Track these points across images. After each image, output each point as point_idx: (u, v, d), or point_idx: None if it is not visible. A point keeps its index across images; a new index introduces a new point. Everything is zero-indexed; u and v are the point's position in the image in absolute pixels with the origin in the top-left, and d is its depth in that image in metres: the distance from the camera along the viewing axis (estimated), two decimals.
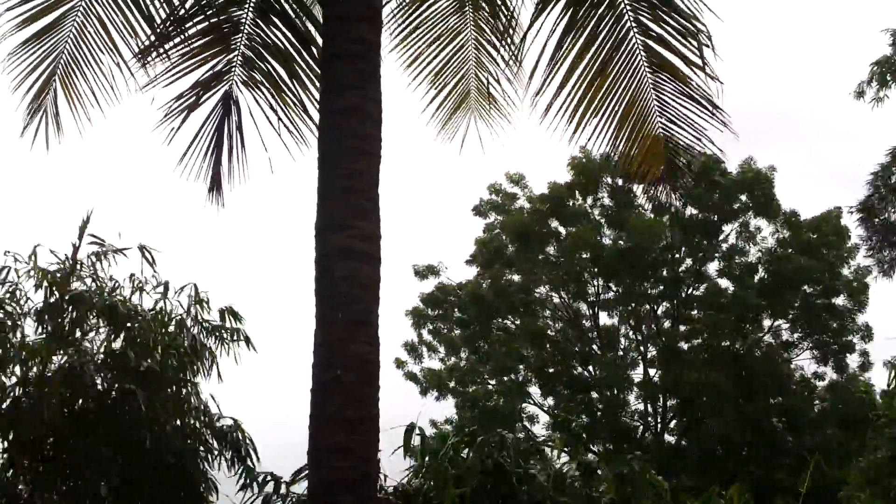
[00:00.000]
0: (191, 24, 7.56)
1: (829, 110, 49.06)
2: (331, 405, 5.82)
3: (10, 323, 8.56)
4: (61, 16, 7.53)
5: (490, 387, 25.40)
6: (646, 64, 7.26)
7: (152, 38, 7.45)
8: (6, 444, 8.38)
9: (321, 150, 6.27)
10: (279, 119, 7.81)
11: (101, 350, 8.86)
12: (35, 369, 8.49)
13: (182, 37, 7.56)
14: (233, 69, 7.75)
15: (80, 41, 7.65)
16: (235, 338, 9.47)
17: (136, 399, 8.32)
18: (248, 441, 9.16)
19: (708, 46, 6.79)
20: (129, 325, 8.83)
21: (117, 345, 8.87)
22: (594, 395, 24.90)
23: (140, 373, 8.58)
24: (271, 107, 7.79)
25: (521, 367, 25.47)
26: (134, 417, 8.47)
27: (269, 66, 7.74)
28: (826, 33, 47.29)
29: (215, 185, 8.12)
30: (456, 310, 26.52)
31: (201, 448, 9.02)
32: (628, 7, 7.14)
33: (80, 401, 8.59)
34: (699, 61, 6.89)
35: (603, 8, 7.13)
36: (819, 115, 47.30)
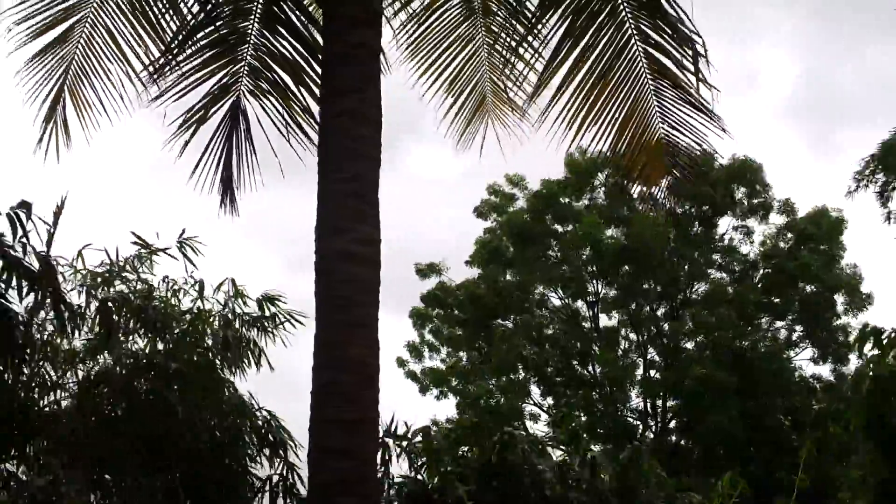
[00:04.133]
0: (200, 35, 7.65)
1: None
2: (330, 407, 5.83)
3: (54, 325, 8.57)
4: (70, 28, 7.65)
5: (491, 386, 25.36)
6: (647, 71, 7.28)
7: (162, 51, 7.56)
8: (45, 443, 8.40)
9: (321, 153, 6.32)
10: (287, 126, 7.86)
11: (137, 352, 8.88)
12: (77, 372, 8.58)
13: (191, 49, 7.65)
14: (240, 79, 7.82)
15: (88, 53, 7.76)
16: (277, 323, 9.40)
17: (167, 400, 8.35)
18: (283, 433, 9.01)
19: (703, 56, 6.79)
20: (163, 326, 8.83)
21: (159, 346, 8.91)
22: (594, 395, 24.84)
23: (170, 374, 8.59)
24: (279, 114, 7.84)
25: (520, 366, 25.43)
26: (164, 418, 8.43)
27: (275, 76, 7.80)
28: None
29: (228, 195, 8.17)
30: (456, 309, 26.49)
31: (240, 443, 8.91)
32: (629, 15, 7.15)
33: (115, 402, 8.64)
34: (696, 69, 6.88)
35: (603, 16, 7.15)
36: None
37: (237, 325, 9.25)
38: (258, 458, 8.97)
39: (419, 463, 7.20)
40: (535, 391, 25.73)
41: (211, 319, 9.22)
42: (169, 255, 9.18)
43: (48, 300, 8.28)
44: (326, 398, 5.87)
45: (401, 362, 26.56)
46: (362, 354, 5.93)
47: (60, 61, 7.76)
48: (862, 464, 8.50)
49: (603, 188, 26.25)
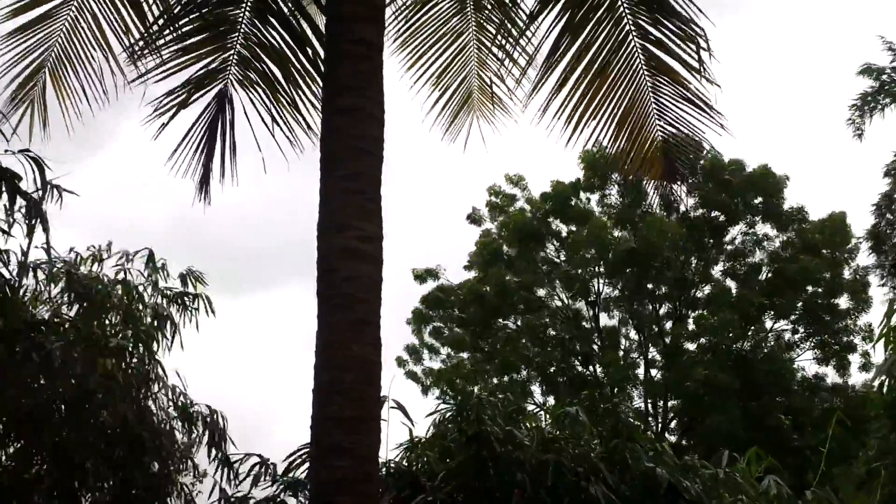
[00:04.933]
0: (185, 20, 7.51)
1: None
2: (332, 405, 5.80)
3: None
4: (53, 8, 7.45)
5: (494, 385, 25.35)
6: (644, 67, 7.34)
7: (145, 35, 7.40)
8: None
9: (324, 150, 6.25)
10: (273, 119, 7.78)
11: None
12: None
13: (176, 34, 7.51)
14: (228, 68, 7.71)
15: (71, 35, 7.58)
16: (196, 304, 9.21)
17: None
18: (221, 424, 8.89)
19: (706, 50, 6.88)
20: (85, 293, 8.51)
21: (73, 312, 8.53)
22: (596, 395, 24.90)
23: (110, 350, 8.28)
24: (266, 107, 7.75)
25: (522, 366, 25.55)
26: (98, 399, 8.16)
27: (264, 66, 7.71)
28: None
29: (205, 183, 8.08)
30: (456, 310, 26.51)
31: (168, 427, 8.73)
32: (627, 10, 7.22)
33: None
34: (697, 65, 6.97)
35: (601, 11, 7.20)
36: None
37: (158, 300, 9.05)
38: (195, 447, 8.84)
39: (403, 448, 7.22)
40: (535, 391, 26.01)
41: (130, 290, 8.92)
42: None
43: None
44: (328, 396, 5.83)
45: (401, 362, 26.60)
46: (365, 352, 5.89)
47: (42, 41, 7.56)
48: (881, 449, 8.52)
49: (616, 185, 26.24)
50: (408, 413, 7.39)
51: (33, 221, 7.43)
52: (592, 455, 6.87)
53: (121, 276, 8.99)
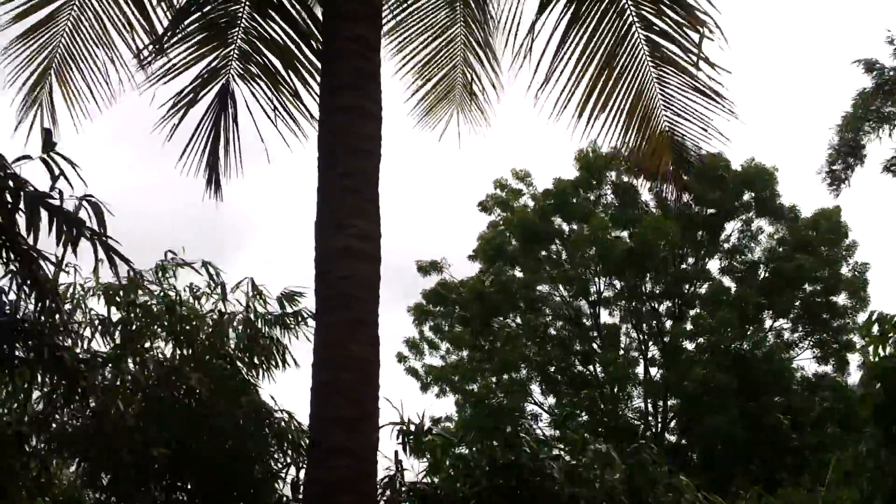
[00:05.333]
0: (189, 19, 7.52)
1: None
2: (330, 405, 5.79)
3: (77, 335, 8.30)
4: (57, 9, 7.48)
5: (493, 384, 25.30)
6: (649, 58, 7.25)
7: (150, 34, 7.42)
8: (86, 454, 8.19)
9: (321, 148, 6.22)
10: (276, 111, 7.78)
11: (160, 359, 8.65)
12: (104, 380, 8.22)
13: (180, 33, 7.52)
14: (230, 63, 7.70)
15: (75, 36, 7.60)
16: (300, 319, 9.18)
17: (190, 408, 8.21)
18: (304, 432, 8.63)
19: (711, 39, 6.77)
20: (185, 331, 8.67)
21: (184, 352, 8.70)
22: (596, 394, 24.88)
23: (193, 382, 8.34)
24: (268, 99, 7.75)
25: (522, 365, 25.47)
26: (187, 427, 8.27)
27: (265, 60, 7.69)
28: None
29: (213, 180, 8.11)
30: (458, 307, 26.46)
31: (262, 449, 8.68)
32: (630, 2, 7.12)
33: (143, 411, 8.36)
34: (702, 53, 6.86)
35: (605, 3, 7.11)
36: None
37: (259, 325, 9.04)
38: (281, 461, 8.72)
39: (424, 462, 7.23)
40: (535, 391, 25.70)
41: (234, 322, 8.97)
42: (194, 268, 8.91)
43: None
44: (327, 396, 5.83)
45: (401, 357, 26.40)
46: (363, 352, 5.86)
47: (46, 43, 7.59)
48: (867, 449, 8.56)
49: (610, 185, 26.08)
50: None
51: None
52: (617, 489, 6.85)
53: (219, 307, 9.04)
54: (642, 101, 7.40)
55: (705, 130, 7.37)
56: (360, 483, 5.74)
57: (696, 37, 6.95)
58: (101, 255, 5.97)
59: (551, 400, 25.45)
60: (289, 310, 9.17)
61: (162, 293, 8.77)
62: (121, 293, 8.50)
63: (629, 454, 7.28)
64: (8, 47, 7.52)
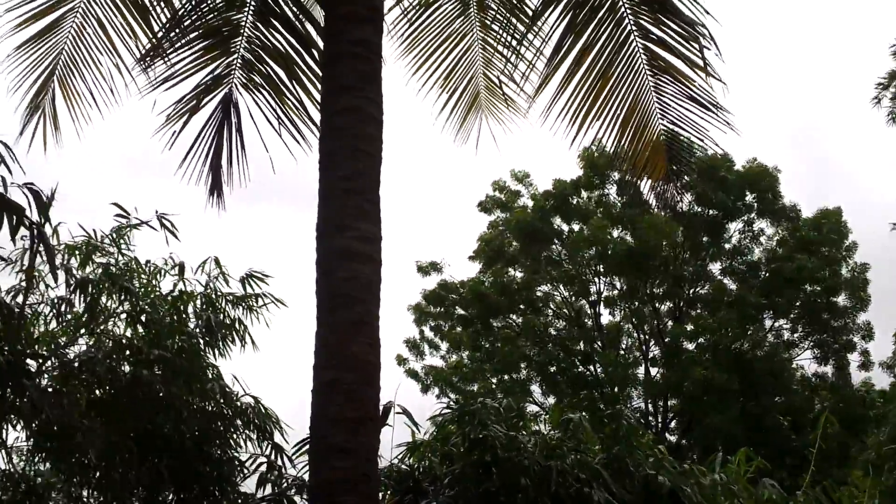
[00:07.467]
0: (191, 27, 7.58)
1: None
2: (331, 406, 5.79)
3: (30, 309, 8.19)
4: (60, 17, 7.55)
5: (493, 385, 25.28)
6: (647, 67, 7.30)
7: (153, 41, 7.48)
8: (29, 432, 8.05)
9: (322, 151, 6.25)
10: (279, 121, 7.82)
11: (119, 337, 8.52)
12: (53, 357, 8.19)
13: (182, 41, 7.58)
14: (232, 72, 7.76)
15: (78, 43, 7.67)
16: (262, 303, 9.07)
17: (152, 387, 8.07)
18: (269, 416, 8.75)
19: (709, 49, 6.83)
20: (143, 309, 8.51)
21: (140, 330, 8.57)
22: (595, 393, 24.87)
23: (153, 360, 8.28)
24: (272, 109, 7.79)
25: (522, 365, 25.46)
26: (150, 405, 8.20)
27: (268, 69, 7.75)
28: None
29: (216, 189, 8.12)
30: (458, 307, 26.48)
31: (222, 428, 8.62)
32: (628, 10, 7.18)
33: (98, 390, 8.29)
34: (700, 63, 6.91)
35: (603, 11, 7.17)
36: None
37: (221, 305, 8.93)
38: (244, 443, 8.74)
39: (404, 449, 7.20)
40: (535, 391, 25.78)
41: (196, 301, 8.85)
42: (150, 226, 8.56)
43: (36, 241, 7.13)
44: (328, 397, 5.84)
45: (401, 360, 26.50)
46: (364, 352, 5.87)
47: (50, 50, 7.66)
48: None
49: (615, 185, 26.14)
50: (413, 419, 7.39)
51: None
52: (594, 461, 6.81)
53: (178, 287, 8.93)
54: (639, 109, 7.45)
55: (702, 141, 7.42)
56: (362, 483, 5.73)
57: (694, 46, 7.00)
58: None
59: (551, 400, 25.40)
60: (251, 291, 8.99)
61: (119, 260, 8.55)
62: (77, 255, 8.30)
63: (608, 419, 7.24)
64: (11, 55, 7.60)
